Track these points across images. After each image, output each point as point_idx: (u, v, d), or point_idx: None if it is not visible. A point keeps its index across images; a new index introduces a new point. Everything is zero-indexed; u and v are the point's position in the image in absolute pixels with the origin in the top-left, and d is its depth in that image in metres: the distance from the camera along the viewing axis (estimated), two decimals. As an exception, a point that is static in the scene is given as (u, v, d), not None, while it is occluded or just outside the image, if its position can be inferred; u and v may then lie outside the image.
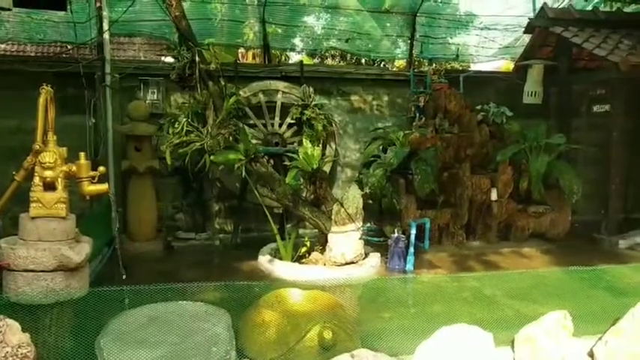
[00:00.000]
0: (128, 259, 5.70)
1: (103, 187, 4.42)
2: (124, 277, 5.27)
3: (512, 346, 3.22)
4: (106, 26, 6.28)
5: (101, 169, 4.42)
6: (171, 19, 5.54)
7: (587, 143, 7.73)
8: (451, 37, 9.15)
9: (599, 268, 4.54)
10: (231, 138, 5.61)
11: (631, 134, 7.75)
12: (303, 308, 3.63)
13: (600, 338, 3.23)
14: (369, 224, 7.71)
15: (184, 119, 5.71)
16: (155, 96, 7.16)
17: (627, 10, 8.41)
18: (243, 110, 7.07)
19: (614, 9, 8.45)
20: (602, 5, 8.62)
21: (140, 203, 6.66)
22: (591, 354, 3.20)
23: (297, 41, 9.07)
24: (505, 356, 3.19)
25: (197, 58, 5.55)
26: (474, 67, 9.28)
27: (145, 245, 6.58)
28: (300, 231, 7.00)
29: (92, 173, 4.29)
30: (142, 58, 9.70)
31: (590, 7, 8.55)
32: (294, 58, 10.37)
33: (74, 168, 4.20)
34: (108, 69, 6.35)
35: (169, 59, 6.81)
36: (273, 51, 8.86)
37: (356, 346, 3.22)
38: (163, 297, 3.71)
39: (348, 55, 10.18)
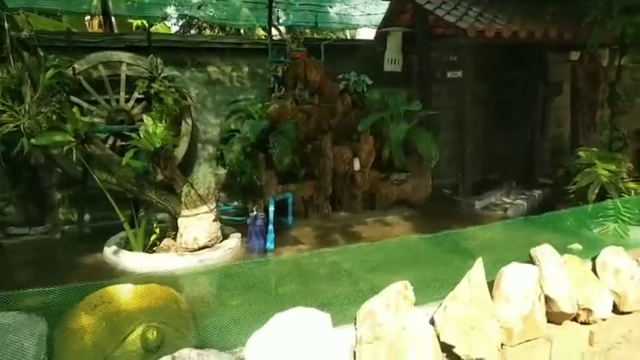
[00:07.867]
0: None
1: None
2: None
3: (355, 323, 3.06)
4: None
5: None
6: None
7: (444, 109, 7.91)
8: (313, 5, 8.91)
9: (452, 232, 4.56)
10: (55, 117, 4.85)
11: (482, 98, 8.09)
12: (130, 307, 3.16)
13: (440, 304, 3.18)
14: (235, 203, 7.39)
15: (-6, 97, 4.83)
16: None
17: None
18: (80, 85, 6.26)
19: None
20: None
21: (-45, 198, 5.68)
22: (432, 321, 3.13)
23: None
24: (345, 335, 3.00)
25: (6, 24, 4.70)
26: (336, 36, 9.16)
27: (-36, 247, 5.65)
28: (159, 216, 6.43)
29: None
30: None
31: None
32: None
33: None
34: None
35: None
36: (123, 19, 8.01)
37: (189, 344, 2.87)
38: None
39: (205, 23, 9.55)
